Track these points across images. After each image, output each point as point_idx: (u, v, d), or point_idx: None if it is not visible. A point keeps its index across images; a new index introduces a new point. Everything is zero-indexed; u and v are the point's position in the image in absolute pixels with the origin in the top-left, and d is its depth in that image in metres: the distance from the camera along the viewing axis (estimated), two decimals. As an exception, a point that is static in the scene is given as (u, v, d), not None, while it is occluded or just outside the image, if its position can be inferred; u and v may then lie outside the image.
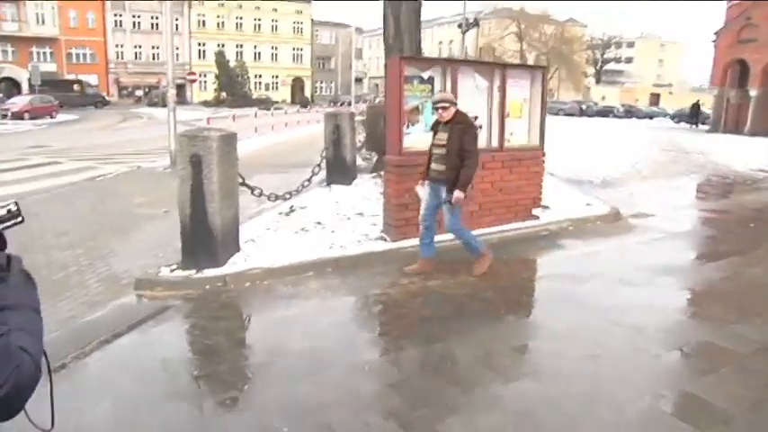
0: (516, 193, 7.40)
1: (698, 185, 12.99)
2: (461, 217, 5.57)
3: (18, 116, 30.18)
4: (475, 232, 6.91)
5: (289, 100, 63.65)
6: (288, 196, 7.52)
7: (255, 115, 23.63)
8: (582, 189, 10.68)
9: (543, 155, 7.73)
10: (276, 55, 68.19)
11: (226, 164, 5.39)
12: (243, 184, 6.00)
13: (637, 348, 4.09)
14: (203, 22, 62.81)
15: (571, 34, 67.92)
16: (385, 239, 6.36)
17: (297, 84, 69.21)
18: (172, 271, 5.40)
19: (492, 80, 7.14)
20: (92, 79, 52.43)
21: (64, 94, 44.36)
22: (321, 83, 74.15)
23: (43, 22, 53.07)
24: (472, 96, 6.88)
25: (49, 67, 51.83)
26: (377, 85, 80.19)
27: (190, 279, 5.26)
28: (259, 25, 66.77)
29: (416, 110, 6.49)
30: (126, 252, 6.60)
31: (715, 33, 30.14)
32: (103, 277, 5.71)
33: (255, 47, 66.52)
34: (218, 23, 63.80)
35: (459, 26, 21.91)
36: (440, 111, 5.38)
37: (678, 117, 45.66)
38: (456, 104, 5.47)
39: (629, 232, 7.87)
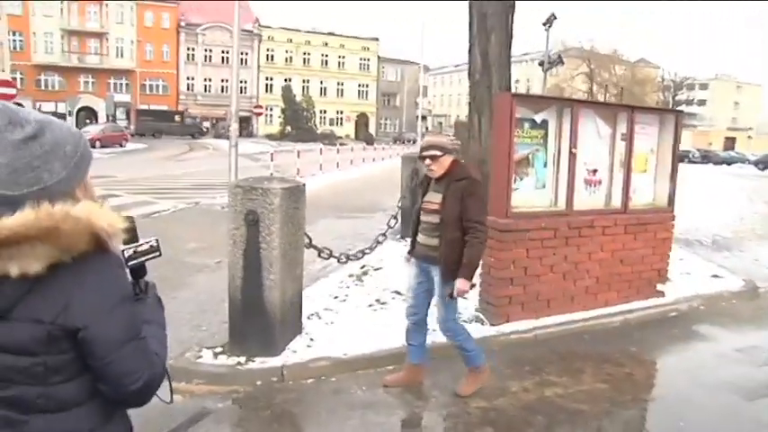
0: (639, 263, 5.97)
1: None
2: (457, 310, 3.96)
3: (90, 145, 30.68)
4: (592, 312, 5.56)
5: (353, 135, 63.53)
6: (360, 255, 6.35)
7: (321, 152, 22.90)
8: (694, 251, 9.22)
9: (673, 218, 6.32)
10: (342, 90, 68.53)
11: (290, 224, 4.24)
12: (310, 245, 4.87)
13: None
14: (272, 56, 63.85)
15: (643, 74, 65.35)
16: (482, 322, 5.05)
17: (361, 119, 69.20)
18: (216, 355, 4.27)
19: (615, 126, 5.82)
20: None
21: (167, 124, 50.13)
22: (385, 119, 73.99)
23: (122, 56, 55.31)
24: (594, 145, 5.57)
25: (124, 97, 54.08)
26: (440, 123, 79.50)
27: (237, 371, 4.09)
28: (326, 61, 67.42)
29: (526, 160, 5.19)
30: (167, 315, 5.54)
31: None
32: (135, 354, 4.63)
33: (322, 82, 67.07)
34: (286, 58, 64.75)
35: (541, 64, 20.61)
36: (427, 161, 3.74)
37: (763, 163, 42.73)
38: (452, 152, 3.79)
39: (778, 316, 6.34)
